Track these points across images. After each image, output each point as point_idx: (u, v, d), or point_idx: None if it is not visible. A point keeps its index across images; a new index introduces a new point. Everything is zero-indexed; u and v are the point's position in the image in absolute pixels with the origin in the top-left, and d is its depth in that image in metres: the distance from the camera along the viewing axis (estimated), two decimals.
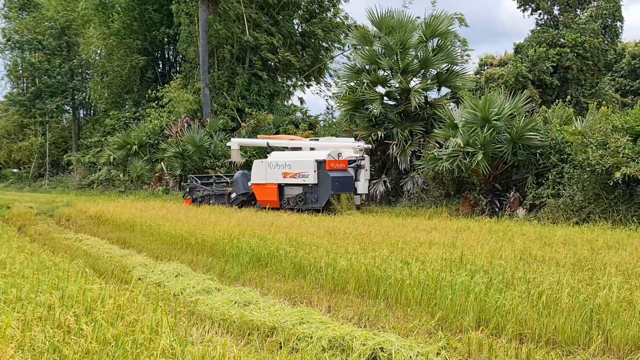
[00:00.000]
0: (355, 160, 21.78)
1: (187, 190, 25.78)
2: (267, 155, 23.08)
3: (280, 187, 21.64)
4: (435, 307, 7.21)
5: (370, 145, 24.11)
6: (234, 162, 27.88)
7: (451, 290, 7.26)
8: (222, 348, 4.92)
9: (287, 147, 23.62)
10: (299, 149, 23.12)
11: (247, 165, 27.01)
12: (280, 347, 6.00)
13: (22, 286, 6.90)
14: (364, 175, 21.99)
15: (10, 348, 4.78)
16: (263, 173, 21.94)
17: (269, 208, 21.00)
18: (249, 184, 22.78)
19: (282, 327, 6.43)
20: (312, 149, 22.55)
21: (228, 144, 26.86)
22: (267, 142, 24.61)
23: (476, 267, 8.33)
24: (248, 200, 23.30)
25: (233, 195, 23.60)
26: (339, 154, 21.58)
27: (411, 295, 7.64)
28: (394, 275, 8.12)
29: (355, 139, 24.21)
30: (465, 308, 6.93)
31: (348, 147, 22.47)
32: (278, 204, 21.46)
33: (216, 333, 6.40)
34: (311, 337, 6.03)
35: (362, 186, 21.92)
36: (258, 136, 28.98)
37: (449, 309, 7.01)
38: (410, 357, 5.46)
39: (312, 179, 20.70)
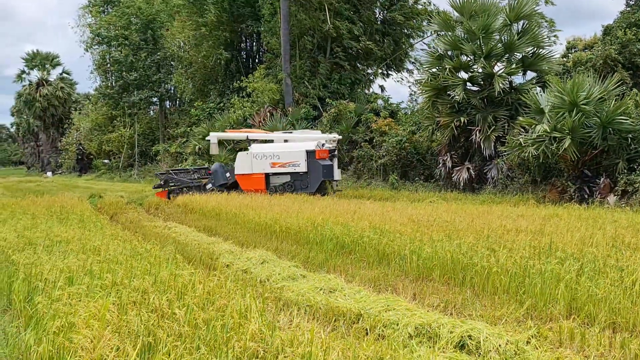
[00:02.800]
0: (332, 150, 23.66)
1: (162, 182, 25.97)
2: (247, 147, 24.28)
3: (267, 177, 23.29)
4: (523, 295, 7.08)
5: (341, 137, 27.18)
6: (213, 154, 28.46)
7: (541, 278, 7.11)
8: (310, 334, 4.97)
9: (265, 140, 25.25)
10: (271, 141, 25.08)
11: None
12: (367, 334, 6.02)
13: (116, 272, 7.17)
14: (336, 163, 24.05)
15: (108, 331, 4.98)
16: (248, 164, 23.42)
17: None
18: (227, 175, 24.40)
19: (368, 314, 6.45)
20: (285, 140, 24.68)
21: (207, 138, 27.68)
22: (247, 136, 25.53)
23: (566, 254, 8.12)
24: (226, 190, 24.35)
25: (209, 186, 24.58)
26: (322, 144, 23.53)
27: (498, 283, 7.53)
28: (481, 263, 8.02)
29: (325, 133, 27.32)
30: (555, 296, 6.78)
31: (322, 139, 24.32)
32: (265, 191, 22.72)
33: (302, 319, 6.46)
34: (397, 324, 6.03)
35: (337, 173, 24.25)
36: (226, 130, 31.13)
37: (538, 297, 6.87)
38: (500, 345, 5.38)
39: (302, 167, 22.90)
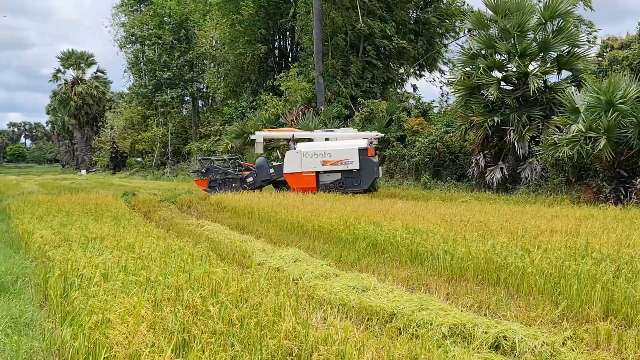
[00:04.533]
0: (377, 148, 24.24)
1: (204, 171, 26.03)
2: (294, 146, 24.16)
3: (317, 175, 23.23)
4: (559, 296, 7.00)
5: (383, 135, 27.58)
6: (258, 153, 28.46)
7: (576, 280, 7.02)
8: (345, 332, 4.97)
9: (310, 139, 25.35)
10: (311, 140, 25.22)
11: None
12: (400, 333, 5.99)
13: (151, 268, 7.23)
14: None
15: (143, 327, 5.03)
16: (298, 162, 23.34)
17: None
18: (271, 171, 24.44)
19: (401, 313, 6.43)
20: (326, 139, 24.78)
21: (252, 136, 27.58)
22: (293, 135, 25.57)
23: (602, 255, 8.00)
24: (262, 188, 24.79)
25: (249, 179, 24.84)
26: (370, 142, 23.82)
27: (533, 283, 7.45)
28: (515, 263, 7.94)
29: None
30: (591, 298, 6.69)
31: (367, 137, 24.52)
32: (316, 190, 22.74)
33: (335, 317, 6.45)
34: (431, 324, 6.00)
35: (380, 171, 24.71)
36: (271, 130, 30.33)
37: (574, 298, 6.79)
38: (535, 346, 5.32)
39: (355, 165, 22.84)
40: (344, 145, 23.53)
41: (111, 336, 4.78)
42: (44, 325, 6.29)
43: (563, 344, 5.51)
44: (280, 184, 24.47)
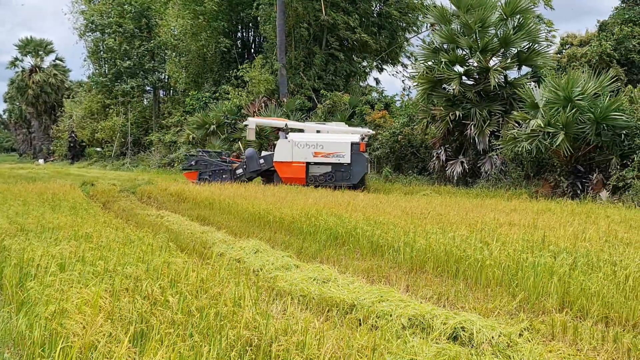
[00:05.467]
0: (367, 145, 24.51)
1: (193, 163, 25.84)
2: (286, 136, 24.28)
3: (307, 166, 23.35)
4: (516, 288, 7.09)
5: (374, 132, 27.79)
6: (249, 140, 28.43)
7: (533, 272, 7.12)
8: (304, 322, 4.96)
9: (302, 130, 25.65)
10: (301, 130, 25.55)
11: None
12: (360, 324, 6.00)
13: (109, 259, 7.13)
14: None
15: (100, 317, 4.96)
16: (289, 152, 23.41)
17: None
18: (261, 161, 24.27)
19: (361, 305, 6.43)
20: (317, 131, 25.08)
21: (245, 123, 27.76)
22: (286, 124, 25.65)
23: (559, 248, 8.14)
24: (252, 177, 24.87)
25: (239, 171, 24.61)
26: (362, 138, 24.14)
27: (491, 275, 7.53)
28: (474, 256, 8.02)
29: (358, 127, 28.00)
30: (548, 290, 6.78)
31: (359, 133, 24.86)
32: (304, 182, 22.94)
33: (295, 308, 6.44)
34: (391, 315, 6.02)
35: (368, 167, 24.97)
36: (265, 117, 30.89)
37: (531, 290, 6.88)
38: (492, 337, 5.38)
39: (347, 159, 23.01)
40: (337, 138, 23.76)
41: (68, 326, 4.70)
42: None
43: (520, 334, 5.57)
44: (270, 174, 24.36)
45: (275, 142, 26.42)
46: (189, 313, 5.20)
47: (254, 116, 34.29)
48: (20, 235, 9.36)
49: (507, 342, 5.35)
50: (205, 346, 4.49)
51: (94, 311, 5.04)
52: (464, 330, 5.53)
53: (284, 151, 23.54)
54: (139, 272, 6.42)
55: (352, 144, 23.04)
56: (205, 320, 5.00)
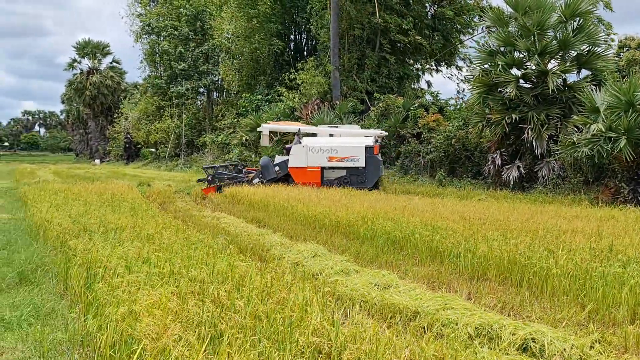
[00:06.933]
0: (382, 146, 24.39)
1: (210, 178, 25.20)
2: (300, 141, 24.04)
3: (322, 170, 23.27)
4: (584, 298, 6.91)
5: (387, 133, 27.85)
6: (264, 146, 28.26)
7: (603, 282, 6.93)
8: (373, 329, 4.91)
9: (315, 134, 25.55)
10: (314, 135, 25.41)
11: None
12: (424, 332, 5.92)
13: (173, 261, 7.19)
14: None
15: (169, 320, 4.99)
16: (303, 157, 23.33)
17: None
18: (276, 169, 24.02)
19: (425, 312, 6.35)
20: (330, 135, 24.98)
21: (259, 129, 27.63)
22: (299, 129, 25.27)
23: (628, 258, 7.90)
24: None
25: (256, 181, 24.19)
26: (376, 140, 24.18)
27: (558, 285, 7.36)
28: (539, 264, 7.85)
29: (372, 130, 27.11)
30: (618, 300, 6.59)
31: (371, 135, 24.86)
32: (320, 186, 22.60)
33: (357, 314, 6.39)
34: (456, 324, 5.92)
35: (383, 169, 24.82)
36: (278, 122, 31.03)
37: (600, 301, 6.69)
38: (564, 349, 5.24)
39: (361, 162, 22.99)
40: (351, 142, 23.58)
41: (139, 329, 4.74)
42: (66, 315, 6.27)
43: (591, 347, 5.41)
44: (287, 177, 24.13)
45: (285, 145, 26.55)
46: (256, 317, 5.19)
47: (306, 119, 34.42)
48: (83, 236, 9.53)
49: (579, 355, 5.21)
50: (274, 352, 4.48)
51: (164, 314, 5.07)
52: (535, 342, 5.39)
53: (298, 157, 23.46)
54: (203, 275, 6.46)
55: (367, 147, 22.98)
56: (273, 326, 4.98)
